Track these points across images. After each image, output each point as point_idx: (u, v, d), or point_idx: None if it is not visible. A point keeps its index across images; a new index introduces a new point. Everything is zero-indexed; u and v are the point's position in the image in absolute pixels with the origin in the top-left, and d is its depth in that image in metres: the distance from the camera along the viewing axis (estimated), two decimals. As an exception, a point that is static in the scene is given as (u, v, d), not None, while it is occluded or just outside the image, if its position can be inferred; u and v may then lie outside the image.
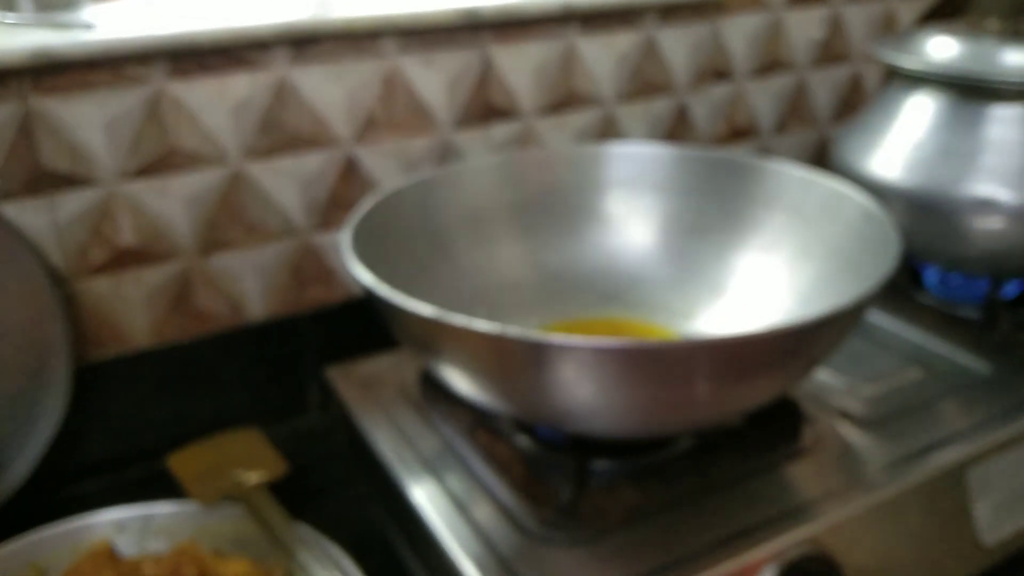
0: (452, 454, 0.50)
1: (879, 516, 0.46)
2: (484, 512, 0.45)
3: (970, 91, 0.61)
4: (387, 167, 0.66)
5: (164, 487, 0.54)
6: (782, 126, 0.87)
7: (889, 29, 0.91)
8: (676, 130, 0.80)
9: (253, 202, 0.62)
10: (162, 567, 0.49)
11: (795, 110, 0.88)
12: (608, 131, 0.76)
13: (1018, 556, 0.51)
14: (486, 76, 0.68)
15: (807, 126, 0.89)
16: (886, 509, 0.46)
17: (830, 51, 0.88)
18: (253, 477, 0.54)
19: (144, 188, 0.58)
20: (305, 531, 0.50)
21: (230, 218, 0.62)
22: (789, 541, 0.42)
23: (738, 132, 0.84)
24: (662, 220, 0.60)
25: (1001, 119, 0.60)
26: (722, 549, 0.41)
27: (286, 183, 0.63)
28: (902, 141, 0.63)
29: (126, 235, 0.59)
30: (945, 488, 0.48)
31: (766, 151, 0.87)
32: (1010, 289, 0.64)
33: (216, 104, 0.59)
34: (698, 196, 0.59)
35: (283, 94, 0.61)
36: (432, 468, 0.49)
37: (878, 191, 0.61)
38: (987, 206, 0.58)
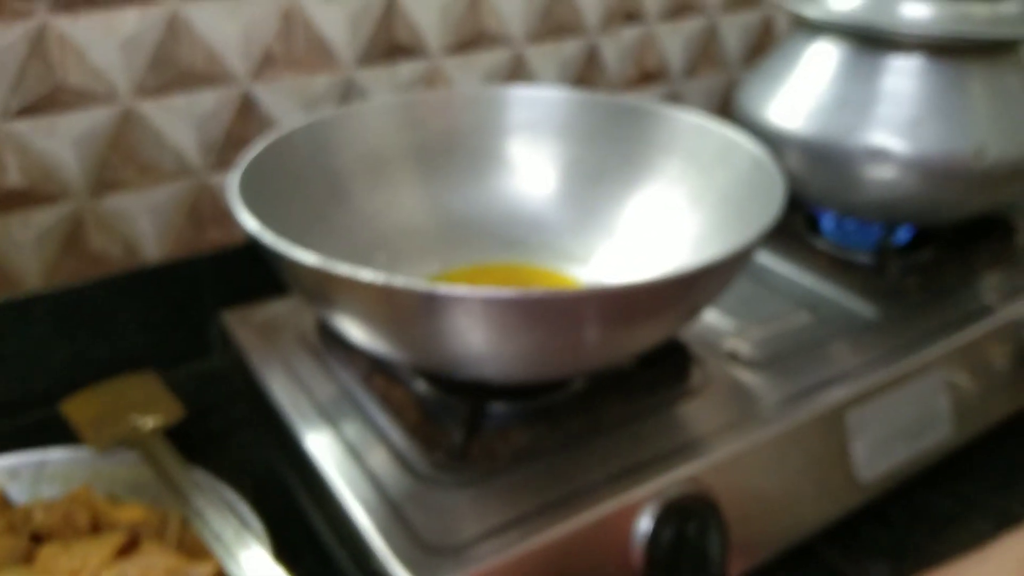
0: (348, 400, 0.50)
1: (760, 455, 0.47)
2: (378, 457, 0.45)
3: (868, 41, 0.62)
4: (286, 105, 0.64)
5: (59, 433, 0.53)
6: (692, 70, 0.88)
7: (800, -27, 0.92)
8: (586, 73, 0.79)
9: (146, 141, 0.60)
10: (53, 514, 0.48)
11: (706, 54, 0.88)
12: (517, 72, 0.75)
13: (894, 492, 0.54)
14: (390, 12, 0.67)
15: (718, 70, 0.90)
16: (767, 448, 0.48)
17: (741, -6, 0.88)
18: (149, 422, 0.54)
19: (30, 127, 0.56)
20: (201, 476, 0.50)
21: (122, 158, 0.60)
22: (670, 480, 0.44)
23: (648, 75, 0.85)
24: (563, 165, 0.60)
25: (897, 70, 0.61)
26: (605, 488, 0.43)
27: (180, 121, 0.61)
28: (801, 89, 0.64)
29: (12, 176, 0.57)
30: (826, 427, 0.50)
31: (676, 95, 0.88)
32: (901, 235, 0.67)
33: (104, 39, 0.57)
34: (599, 142, 0.59)
35: (175, 29, 0.59)
36: (327, 414, 0.49)
37: (777, 139, 0.62)
38: (880, 155, 0.60)
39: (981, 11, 0.60)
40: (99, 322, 0.62)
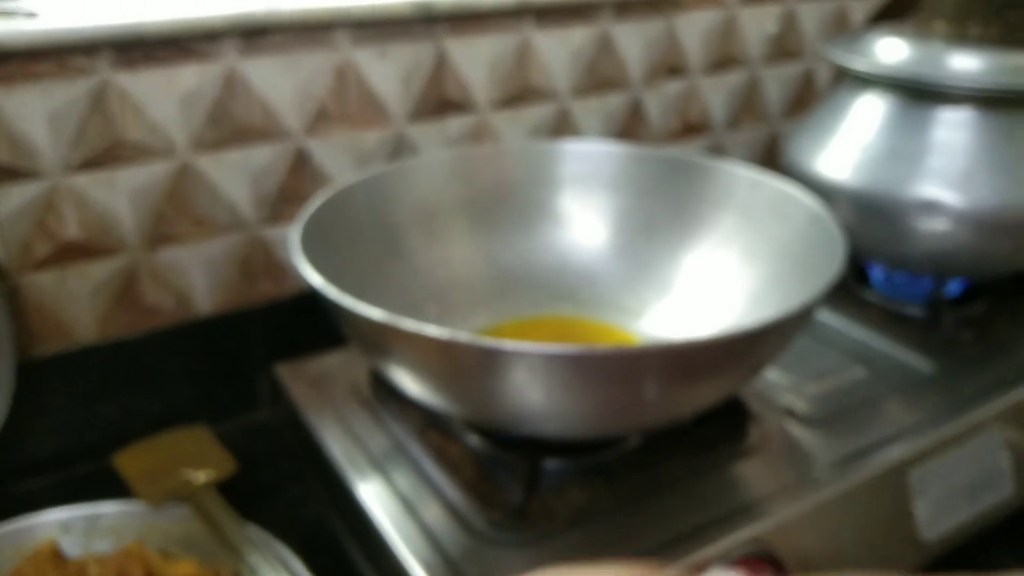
0: (402, 454, 0.50)
1: (823, 514, 0.46)
2: (433, 513, 0.45)
3: (917, 93, 0.62)
4: (339, 160, 0.65)
5: (110, 486, 0.53)
6: (735, 122, 0.88)
7: (841, 26, 0.92)
8: (630, 125, 0.80)
9: (201, 195, 0.61)
10: (107, 568, 0.48)
11: (748, 106, 0.89)
12: (563, 125, 0.76)
13: (957, 551, 0.52)
14: (440, 69, 0.68)
15: (759, 122, 0.90)
16: (830, 507, 0.47)
17: (783, 48, 0.88)
18: (201, 476, 0.54)
19: (89, 180, 0.57)
20: (254, 531, 0.50)
21: (177, 211, 0.61)
22: (734, 541, 0.43)
23: (691, 128, 0.85)
24: (614, 218, 0.60)
25: (947, 122, 0.61)
26: (668, 549, 0.42)
27: (235, 176, 0.62)
28: (850, 141, 0.64)
29: (70, 228, 0.57)
30: (887, 486, 0.49)
31: (718, 147, 0.88)
32: (953, 287, 0.66)
33: (163, 95, 0.58)
34: (650, 195, 0.59)
35: (232, 85, 0.60)
36: (381, 468, 0.49)
37: (826, 191, 0.62)
38: (931, 207, 0.59)
39: (1032, 63, 0.60)
40: (150, 375, 0.63)
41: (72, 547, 0.51)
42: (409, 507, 0.46)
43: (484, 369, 0.38)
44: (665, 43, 0.79)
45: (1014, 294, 0.67)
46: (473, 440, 0.49)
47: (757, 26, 0.85)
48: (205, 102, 0.59)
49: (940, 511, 0.51)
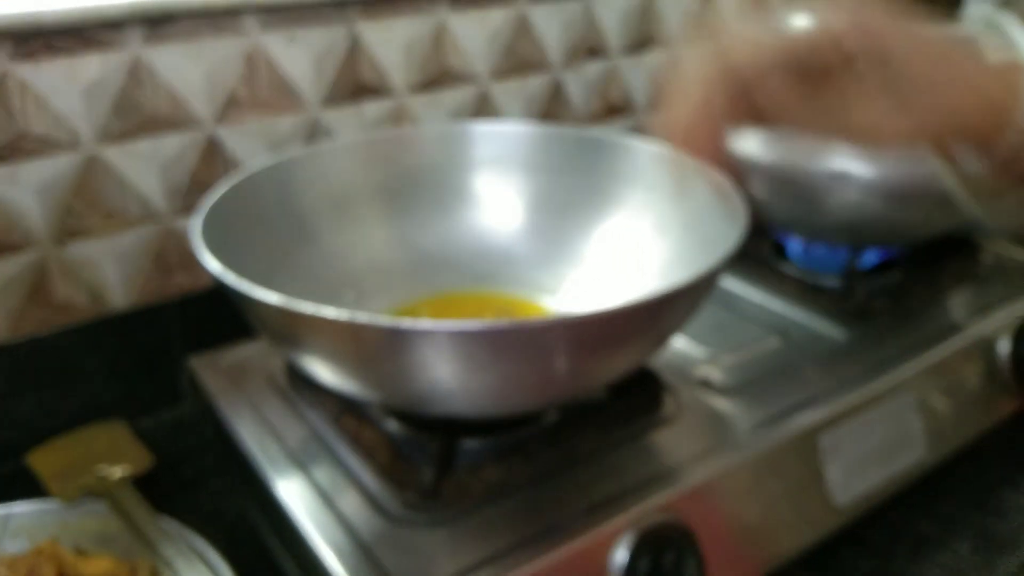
0: (318, 443, 0.49)
1: (734, 481, 0.47)
2: (349, 500, 0.45)
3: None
4: (252, 147, 0.64)
5: (25, 486, 0.52)
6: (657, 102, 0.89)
7: (759, 4, 0.93)
8: (552, 108, 0.80)
9: (110, 187, 0.60)
10: (18, 569, 0.47)
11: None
12: (483, 109, 0.76)
13: (872, 514, 0.53)
14: (354, 53, 0.67)
15: (682, 101, 0.91)
16: (741, 474, 0.47)
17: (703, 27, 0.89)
18: (116, 472, 0.53)
19: (-9, 176, 0.56)
20: (170, 525, 0.49)
21: (86, 204, 0.59)
22: (644, 509, 0.43)
23: (613, 109, 0.85)
24: (530, 198, 0.60)
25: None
26: (580, 521, 0.42)
27: (144, 167, 0.61)
28: (762, 116, 0.64)
29: (-26, 225, 0.56)
30: (799, 451, 0.50)
31: (641, 128, 0.89)
32: (868, 258, 0.67)
33: (66, 86, 0.57)
34: (563, 174, 0.59)
35: (138, 75, 0.59)
36: (297, 458, 0.48)
37: (740, 166, 0.63)
38: (841, 179, 0.60)
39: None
40: (66, 372, 0.61)
41: (-16, 550, 0.50)
42: (325, 496, 0.45)
43: (388, 350, 0.38)
44: (583, 23, 0.80)
45: (928, 263, 0.68)
46: (390, 424, 0.49)
47: (675, 5, 0.86)
48: (110, 92, 0.58)
49: (852, 475, 0.52)
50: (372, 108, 0.69)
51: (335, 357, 0.40)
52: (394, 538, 0.42)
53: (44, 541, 0.49)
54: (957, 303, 0.65)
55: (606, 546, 0.42)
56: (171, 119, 0.61)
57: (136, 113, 0.59)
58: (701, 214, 0.50)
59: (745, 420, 0.51)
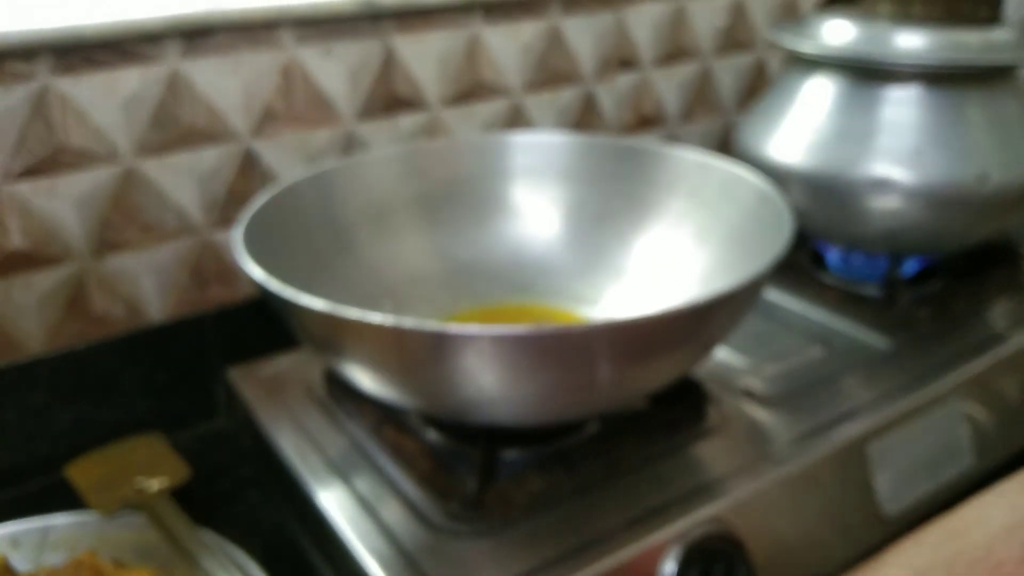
0: (359, 453, 0.49)
1: (782, 492, 0.46)
2: (391, 510, 0.44)
3: (864, 73, 0.62)
4: (288, 160, 0.64)
5: (63, 499, 0.52)
6: (688, 113, 0.88)
7: (791, 15, 0.93)
8: (584, 119, 0.80)
9: (148, 200, 0.60)
10: (58, 581, 0.47)
11: (700, 97, 0.89)
12: (516, 121, 0.75)
13: (918, 524, 0.52)
14: (389, 66, 0.67)
15: (713, 113, 0.91)
16: (789, 485, 0.47)
17: (733, 38, 0.89)
18: (155, 484, 0.53)
19: (32, 189, 0.56)
20: (210, 537, 0.49)
21: (124, 217, 0.59)
22: (693, 521, 0.43)
23: (645, 120, 0.85)
24: (567, 208, 0.60)
25: (895, 100, 0.61)
26: (626, 532, 0.42)
27: (182, 179, 0.61)
28: (800, 124, 0.64)
29: (14, 238, 0.56)
30: (847, 462, 0.49)
31: (673, 138, 0.88)
32: (909, 267, 0.66)
33: (105, 100, 0.57)
34: (602, 183, 0.59)
35: (176, 88, 0.59)
36: (338, 469, 0.48)
37: (778, 174, 0.62)
38: (883, 186, 0.60)
39: (975, 39, 0.60)
40: (102, 385, 0.61)
41: (23, 562, 0.50)
42: (366, 506, 0.45)
43: (432, 355, 0.38)
44: (615, 36, 0.79)
45: (969, 272, 0.67)
46: (430, 434, 0.49)
47: (707, 18, 0.86)
48: (148, 105, 0.58)
49: (901, 485, 0.51)
50: (406, 121, 0.69)
51: (379, 363, 0.40)
52: (437, 548, 0.42)
53: (83, 553, 0.49)
54: (999, 312, 0.64)
55: (654, 558, 0.41)
56: (208, 132, 0.61)
57: (174, 126, 0.60)
58: (744, 221, 0.50)
59: (789, 431, 0.50)
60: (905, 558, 0.46)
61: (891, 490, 0.51)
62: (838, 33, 0.64)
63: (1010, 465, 0.57)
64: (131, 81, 0.57)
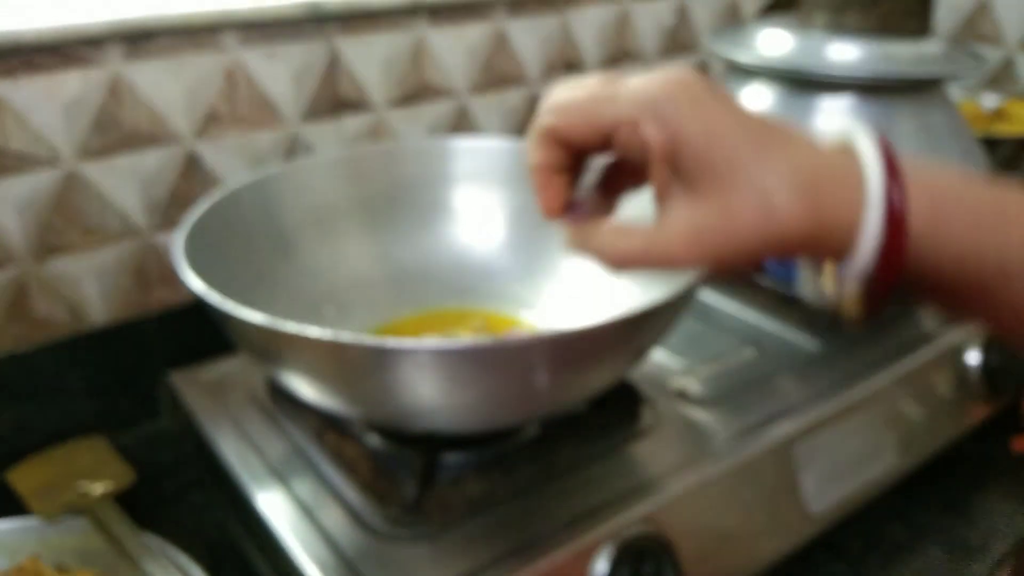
0: (300, 458, 0.50)
1: (712, 491, 0.48)
2: (332, 515, 0.45)
3: (799, 83, 0.64)
4: (232, 163, 0.65)
5: (5, 504, 0.52)
6: (634, 114, 0.90)
7: (734, 19, 0.95)
8: (529, 121, 0.80)
9: (90, 203, 0.60)
10: (-1, 588, 0.47)
11: (646, 98, 0.90)
12: (461, 123, 0.76)
13: (847, 522, 0.54)
14: (334, 68, 0.67)
15: (658, 114, 0.92)
16: (718, 484, 0.48)
17: (677, 41, 0.90)
18: (98, 488, 0.53)
19: (-30, 193, 0.56)
20: (153, 541, 0.49)
21: (66, 220, 0.59)
22: (625, 521, 0.44)
23: (590, 121, 0.86)
24: (509, 213, 0.60)
25: (828, 109, 0.63)
26: (561, 533, 0.43)
27: (124, 183, 0.61)
28: (737, 131, 0.65)
29: (-48, 242, 0.56)
30: (775, 461, 0.51)
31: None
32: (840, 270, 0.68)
33: (46, 103, 0.57)
34: (542, 189, 0.60)
35: (118, 91, 0.59)
36: (279, 474, 0.48)
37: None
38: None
39: (906, 51, 0.62)
40: (46, 388, 0.61)
41: (-37, 569, 0.50)
42: (307, 511, 0.46)
43: (371, 368, 0.38)
44: (560, 39, 0.80)
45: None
46: (372, 439, 0.50)
47: (651, 20, 0.87)
48: (90, 109, 0.58)
49: (826, 483, 0.53)
50: (351, 123, 0.70)
51: (319, 375, 0.41)
52: (377, 553, 0.42)
53: (26, 559, 0.49)
54: (926, 313, 0.66)
55: (586, 558, 0.43)
56: (151, 135, 0.61)
57: (116, 129, 0.59)
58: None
59: (722, 431, 0.52)
60: None
61: (816, 488, 0.52)
62: (774, 43, 0.66)
63: (932, 463, 0.59)
64: (72, 84, 0.57)
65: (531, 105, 0.80)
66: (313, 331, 0.37)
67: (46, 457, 0.56)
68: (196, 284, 0.41)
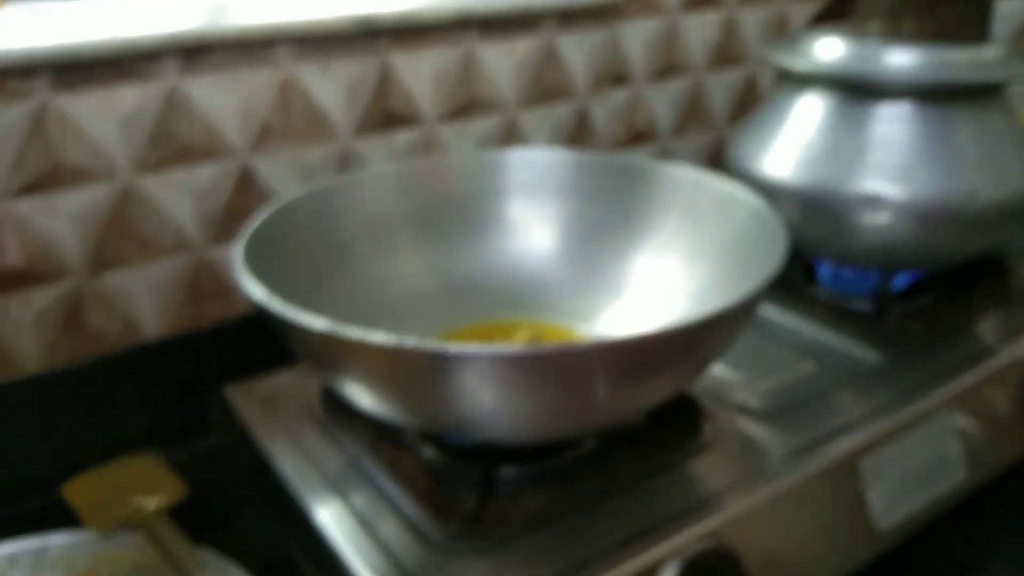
0: (356, 471, 0.49)
1: (777, 507, 0.47)
2: (390, 528, 0.44)
3: (855, 90, 0.63)
4: (285, 177, 0.65)
5: (60, 518, 0.52)
6: (680, 129, 0.89)
7: (782, 31, 0.94)
8: (577, 135, 0.81)
9: (145, 217, 0.60)
10: (56, 600, 0.47)
11: (692, 113, 0.90)
12: (510, 137, 0.76)
13: (912, 539, 0.53)
14: (385, 83, 0.68)
15: (705, 128, 0.91)
16: (784, 500, 0.47)
17: (725, 54, 0.90)
18: (151, 503, 0.53)
19: (30, 206, 0.56)
20: (207, 556, 0.49)
21: (121, 234, 0.60)
22: (689, 537, 0.43)
23: (637, 136, 0.86)
24: (562, 225, 0.60)
25: (886, 117, 0.62)
26: (623, 549, 0.42)
27: (179, 196, 0.61)
28: (792, 140, 0.64)
29: (12, 255, 0.56)
30: (840, 477, 0.50)
31: (665, 154, 0.89)
32: (899, 281, 0.67)
33: (104, 117, 0.57)
34: (596, 200, 0.59)
35: (174, 105, 0.59)
36: (336, 487, 0.48)
37: (770, 190, 0.63)
38: (873, 202, 0.60)
39: (964, 56, 0.61)
40: (99, 403, 0.61)
41: (20, 581, 0.50)
42: (365, 524, 0.45)
43: (431, 374, 0.38)
44: (609, 52, 0.80)
45: (959, 287, 0.68)
46: (427, 451, 0.49)
47: (699, 33, 0.87)
48: (146, 122, 0.59)
49: (893, 499, 0.51)
50: (402, 137, 0.70)
51: (379, 382, 0.40)
52: (436, 565, 0.42)
53: (80, 573, 0.49)
54: (989, 325, 0.64)
55: (651, 574, 0.41)
56: (206, 149, 0.61)
57: (171, 143, 0.60)
58: (738, 238, 0.50)
59: (784, 446, 0.50)
60: None
61: (883, 504, 0.51)
62: (829, 50, 0.65)
63: (1002, 478, 0.58)
64: (129, 98, 0.58)
65: (579, 119, 0.80)
66: (376, 336, 0.36)
67: (100, 472, 0.56)
68: (257, 293, 0.40)
